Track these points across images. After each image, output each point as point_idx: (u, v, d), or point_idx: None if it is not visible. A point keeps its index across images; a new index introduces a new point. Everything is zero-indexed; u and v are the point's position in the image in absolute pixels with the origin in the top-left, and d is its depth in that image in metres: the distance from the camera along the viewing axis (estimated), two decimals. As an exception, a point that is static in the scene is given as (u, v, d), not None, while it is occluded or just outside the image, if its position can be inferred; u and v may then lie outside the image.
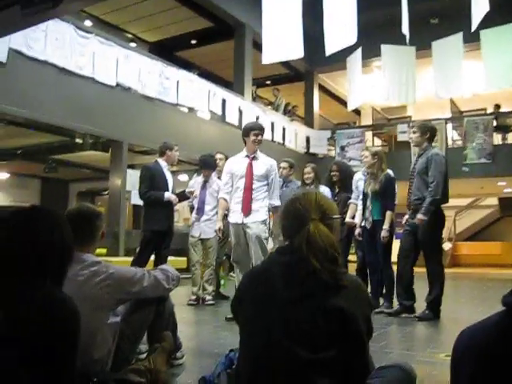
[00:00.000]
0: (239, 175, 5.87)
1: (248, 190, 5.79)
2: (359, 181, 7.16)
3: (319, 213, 2.01)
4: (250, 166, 5.90)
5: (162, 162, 7.05)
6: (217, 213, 7.14)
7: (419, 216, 5.99)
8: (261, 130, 5.93)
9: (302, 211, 2.02)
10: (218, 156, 7.97)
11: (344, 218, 7.05)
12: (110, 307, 2.82)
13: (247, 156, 5.94)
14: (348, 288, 1.92)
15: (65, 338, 1.79)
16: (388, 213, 6.56)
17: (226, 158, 7.10)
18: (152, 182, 6.87)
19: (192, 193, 7.33)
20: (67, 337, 1.80)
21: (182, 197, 7.28)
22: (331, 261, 1.92)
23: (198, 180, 7.68)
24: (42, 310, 1.77)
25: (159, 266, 3.26)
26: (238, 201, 5.84)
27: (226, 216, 6.23)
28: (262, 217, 5.75)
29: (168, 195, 6.89)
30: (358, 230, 6.95)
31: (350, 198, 7.25)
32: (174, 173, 8.70)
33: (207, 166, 7.54)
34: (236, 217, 5.83)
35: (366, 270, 7.02)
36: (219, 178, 7.37)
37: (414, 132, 6.33)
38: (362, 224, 6.85)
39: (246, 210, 5.77)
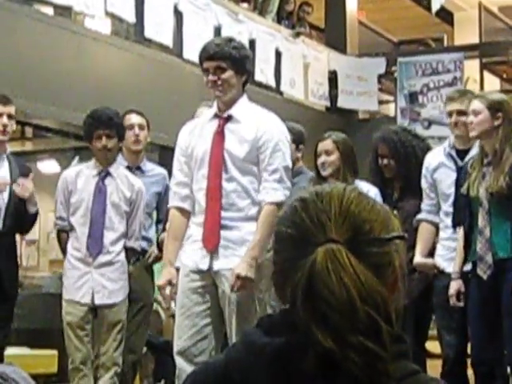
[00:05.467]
0: (199, 159, 4.18)
1: (214, 196, 4.06)
2: (437, 169, 5.17)
3: (347, 228, 1.17)
4: (220, 136, 4.12)
5: None
6: (126, 249, 5.06)
7: None
8: (211, 58, 4.04)
9: (310, 226, 1.18)
10: (134, 119, 5.46)
11: (413, 256, 4.94)
12: None
13: (216, 116, 4.21)
14: None
15: None
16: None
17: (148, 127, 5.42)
18: None
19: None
20: None
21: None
22: (366, 331, 1.08)
23: (81, 171, 5.14)
24: None
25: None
26: (197, 221, 4.20)
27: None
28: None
29: None
30: (454, 286, 4.80)
31: (418, 211, 5.25)
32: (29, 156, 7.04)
33: (102, 126, 4.89)
34: (194, 256, 4.13)
35: (464, 373, 4.97)
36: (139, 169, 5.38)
37: None
38: (465, 269, 4.82)
39: (212, 240, 4.13)
